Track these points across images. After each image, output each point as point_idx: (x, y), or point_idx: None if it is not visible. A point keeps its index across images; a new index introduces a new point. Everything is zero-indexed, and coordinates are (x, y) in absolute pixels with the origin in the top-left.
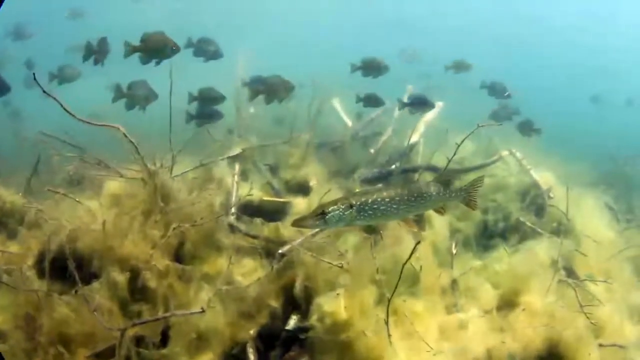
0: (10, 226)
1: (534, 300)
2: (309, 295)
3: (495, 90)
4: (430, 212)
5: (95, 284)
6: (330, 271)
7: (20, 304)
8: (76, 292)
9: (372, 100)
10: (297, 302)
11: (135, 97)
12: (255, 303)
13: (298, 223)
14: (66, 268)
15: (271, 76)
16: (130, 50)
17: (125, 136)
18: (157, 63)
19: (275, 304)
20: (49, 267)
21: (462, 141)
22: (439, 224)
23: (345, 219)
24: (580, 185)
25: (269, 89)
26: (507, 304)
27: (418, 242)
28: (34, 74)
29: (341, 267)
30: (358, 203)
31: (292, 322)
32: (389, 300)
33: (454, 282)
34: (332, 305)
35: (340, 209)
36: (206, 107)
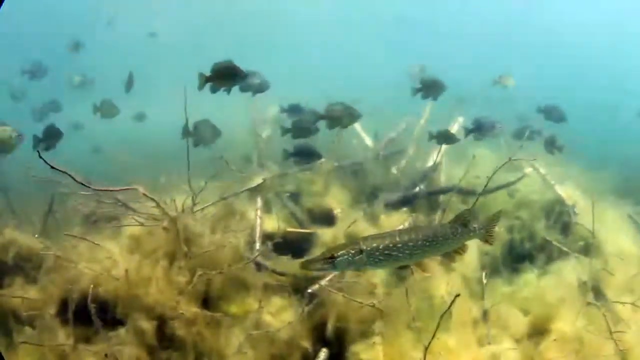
0: (27, 270)
1: (564, 327)
2: (340, 336)
3: (551, 115)
4: None
5: (122, 331)
6: (361, 310)
7: (46, 355)
8: (106, 355)
9: (446, 137)
10: (328, 342)
11: (201, 135)
12: (287, 345)
13: (307, 266)
14: (88, 312)
15: (335, 103)
16: (203, 80)
17: (146, 195)
18: (228, 91)
19: (306, 344)
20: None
21: (494, 173)
22: (469, 254)
23: (355, 264)
24: (602, 196)
25: (332, 115)
26: (538, 330)
27: (457, 295)
28: (38, 151)
29: (373, 306)
30: (368, 248)
31: (323, 354)
32: (426, 348)
33: (485, 314)
34: (370, 353)
35: (350, 254)
36: (305, 145)
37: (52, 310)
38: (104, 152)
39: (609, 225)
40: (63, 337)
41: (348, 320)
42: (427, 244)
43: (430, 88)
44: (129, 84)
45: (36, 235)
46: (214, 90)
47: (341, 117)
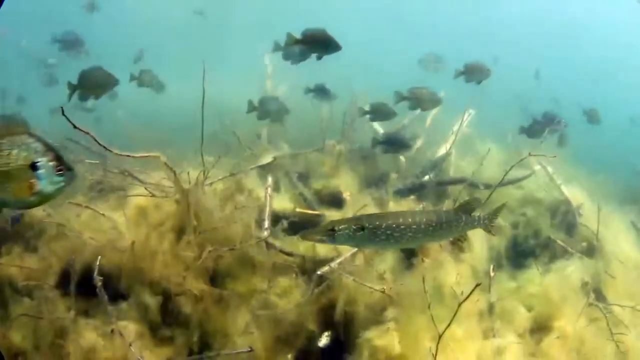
0: (27, 238)
1: (566, 325)
2: (348, 320)
3: (592, 117)
4: (470, 234)
5: (124, 305)
6: (371, 295)
7: (44, 329)
8: (112, 331)
9: (534, 132)
10: (335, 325)
11: (266, 111)
12: (293, 327)
13: (306, 235)
14: (90, 284)
15: (419, 87)
16: (291, 41)
17: (166, 165)
18: (318, 58)
19: (313, 327)
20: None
21: (507, 171)
22: (479, 246)
23: (354, 240)
24: (607, 201)
25: (416, 98)
26: (540, 327)
27: (478, 284)
28: (62, 108)
29: (383, 292)
30: (370, 226)
31: (324, 339)
32: (440, 337)
33: (491, 306)
34: (384, 339)
35: (351, 229)
36: (395, 135)
37: (51, 281)
38: (105, 122)
39: (612, 229)
40: (62, 309)
41: (357, 304)
42: (430, 228)
43: (474, 72)
44: (139, 57)
45: None
46: (302, 54)
47: (424, 100)
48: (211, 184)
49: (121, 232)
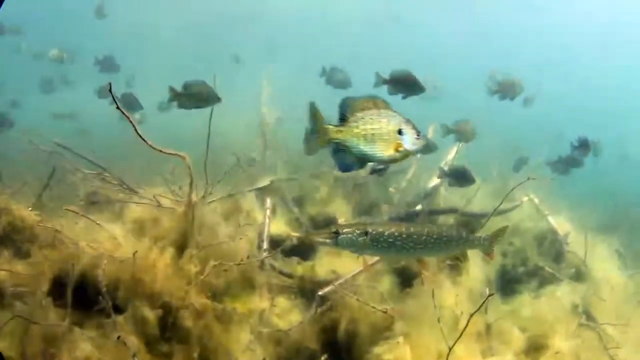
0: (18, 243)
1: (560, 344)
2: (350, 339)
3: (595, 149)
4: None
5: (120, 318)
6: (372, 315)
7: (34, 337)
8: (118, 337)
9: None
10: (337, 344)
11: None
12: (295, 346)
13: (310, 237)
14: (84, 295)
15: (463, 120)
16: (380, 81)
17: (189, 168)
18: (404, 97)
19: (315, 346)
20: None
21: (501, 202)
22: (474, 270)
23: (357, 245)
24: (592, 230)
25: (460, 131)
26: (535, 346)
27: (491, 294)
28: (109, 84)
29: (385, 312)
30: (374, 232)
31: None
32: (450, 349)
33: (488, 327)
34: (395, 353)
35: (355, 234)
36: (461, 168)
37: (43, 288)
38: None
39: (597, 256)
40: (54, 318)
41: (359, 323)
42: (432, 240)
43: (507, 89)
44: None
45: (30, 208)
46: (390, 92)
47: (467, 133)
48: (209, 203)
49: (119, 243)
